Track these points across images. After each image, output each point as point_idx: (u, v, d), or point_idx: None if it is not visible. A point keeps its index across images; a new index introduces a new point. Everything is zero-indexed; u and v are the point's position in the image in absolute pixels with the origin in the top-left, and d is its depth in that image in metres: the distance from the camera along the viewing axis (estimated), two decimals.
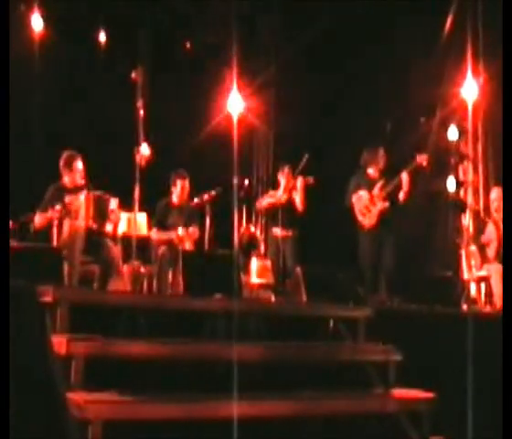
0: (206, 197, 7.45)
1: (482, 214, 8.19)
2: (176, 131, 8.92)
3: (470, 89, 7.50)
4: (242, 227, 8.90)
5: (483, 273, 7.14)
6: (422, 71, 8.48)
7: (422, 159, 7.45)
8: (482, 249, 7.27)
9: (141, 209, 6.66)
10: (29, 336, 3.39)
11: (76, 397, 3.51)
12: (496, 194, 7.35)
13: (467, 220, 7.93)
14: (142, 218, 7.17)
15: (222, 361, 4.08)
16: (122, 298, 4.83)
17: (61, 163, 6.41)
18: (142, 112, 6.28)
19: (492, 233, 7.17)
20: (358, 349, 4.87)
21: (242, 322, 4.39)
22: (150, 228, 7.20)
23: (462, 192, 8.62)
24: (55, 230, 6.13)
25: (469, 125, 8.17)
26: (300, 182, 7.87)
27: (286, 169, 8.06)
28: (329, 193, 8.13)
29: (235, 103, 8.20)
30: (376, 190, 7.53)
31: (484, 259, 7.22)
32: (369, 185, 7.58)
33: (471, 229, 7.79)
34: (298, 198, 7.89)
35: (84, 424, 3.42)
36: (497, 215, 7.20)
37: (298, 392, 4.22)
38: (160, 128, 7.79)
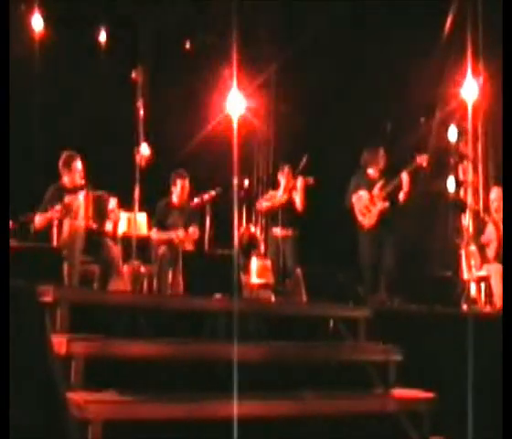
0: (206, 197, 7.45)
1: (482, 214, 8.18)
2: (175, 131, 8.92)
3: (470, 89, 7.49)
4: (242, 227, 8.90)
5: (483, 273, 7.14)
6: (422, 71, 8.48)
7: (422, 159, 7.45)
8: (482, 249, 7.27)
9: (141, 209, 6.66)
10: (29, 336, 3.39)
11: (76, 397, 3.52)
12: (495, 194, 7.34)
13: (467, 220, 7.93)
14: (142, 218, 7.17)
15: (222, 361, 4.08)
16: (122, 298, 4.83)
17: (60, 163, 6.41)
18: (142, 112, 6.29)
19: (492, 233, 7.17)
20: (358, 349, 4.87)
21: (242, 322, 4.38)
22: (150, 228, 7.20)
23: (462, 192, 8.63)
24: (55, 230, 6.13)
25: (469, 125, 8.17)
26: (300, 182, 7.87)
27: (286, 169, 8.05)
28: (329, 193, 8.13)
29: (235, 103, 8.19)
30: (376, 190, 7.53)
31: (484, 259, 7.21)
32: (369, 185, 7.58)
33: (471, 229, 7.79)
34: (298, 198, 7.89)
35: (84, 424, 3.42)
36: (497, 215, 7.20)
37: (298, 392, 4.22)
38: (160, 128, 7.79)
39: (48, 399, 3.30)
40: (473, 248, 7.39)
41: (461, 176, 8.64)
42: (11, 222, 6.38)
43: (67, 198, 6.15)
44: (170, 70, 9.22)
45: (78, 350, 3.77)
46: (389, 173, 7.57)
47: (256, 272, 7.88)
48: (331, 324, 4.99)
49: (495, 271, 6.84)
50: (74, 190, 6.28)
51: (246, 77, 8.74)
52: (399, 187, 7.43)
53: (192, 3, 9.49)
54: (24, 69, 7.87)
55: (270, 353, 4.42)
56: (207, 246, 7.42)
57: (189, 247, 6.98)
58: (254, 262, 8.00)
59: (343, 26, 9.03)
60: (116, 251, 6.24)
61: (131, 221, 6.77)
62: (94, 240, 6.15)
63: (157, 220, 7.14)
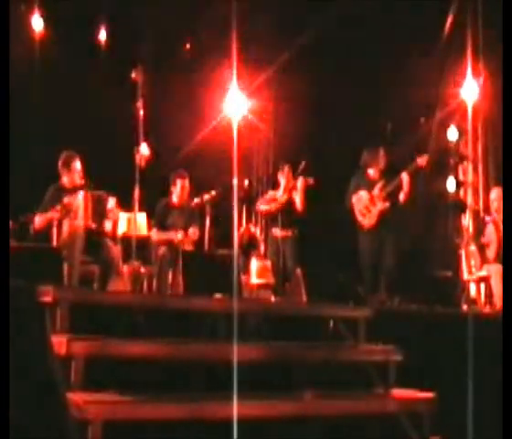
0: (206, 197, 7.45)
1: (482, 214, 8.18)
2: (175, 131, 8.91)
3: (470, 89, 7.50)
4: (242, 227, 8.89)
5: (483, 273, 7.14)
6: (422, 71, 8.48)
7: (423, 160, 7.45)
8: (482, 249, 7.27)
9: (141, 209, 6.66)
10: (29, 336, 3.39)
11: (76, 397, 3.51)
12: (495, 194, 7.34)
13: (467, 221, 7.93)
14: (142, 218, 7.17)
15: (222, 361, 4.07)
16: (122, 298, 4.83)
17: (60, 163, 6.42)
18: (142, 112, 6.28)
19: (492, 234, 7.17)
20: (359, 350, 4.87)
21: (242, 322, 4.38)
22: (150, 228, 7.19)
23: (462, 192, 8.63)
24: (55, 231, 6.13)
25: (469, 126, 8.17)
26: (300, 182, 7.86)
27: (286, 169, 8.05)
28: (329, 193, 8.13)
29: (235, 103, 8.19)
30: (376, 191, 7.53)
31: (483, 259, 7.21)
32: (369, 185, 7.58)
33: (471, 229, 7.79)
34: (298, 199, 7.88)
35: (84, 425, 3.42)
36: (497, 215, 7.20)
37: (298, 392, 4.22)
38: (160, 128, 7.79)
39: (48, 399, 3.30)
40: (473, 248, 7.39)
41: (461, 177, 8.64)
42: (11, 222, 6.38)
43: (66, 199, 6.15)
44: (170, 70, 9.21)
45: (78, 350, 3.77)
46: (390, 173, 7.58)
47: (256, 272, 7.87)
48: (331, 324, 4.98)
49: (495, 271, 6.84)
50: (73, 190, 6.28)
51: (246, 77, 8.74)
52: (399, 188, 7.44)
53: (192, 3, 9.48)
54: (24, 69, 7.87)
55: (270, 353, 4.41)
56: (207, 246, 7.41)
57: (189, 247, 6.97)
58: (254, 263, 7.99)
59: (343, 26, 9.02)
60: (116, 251, 6.24)
61: (131, 221, 6.77)
62: (94, 241, 6.15)
63: (157, 221, 7.13)
